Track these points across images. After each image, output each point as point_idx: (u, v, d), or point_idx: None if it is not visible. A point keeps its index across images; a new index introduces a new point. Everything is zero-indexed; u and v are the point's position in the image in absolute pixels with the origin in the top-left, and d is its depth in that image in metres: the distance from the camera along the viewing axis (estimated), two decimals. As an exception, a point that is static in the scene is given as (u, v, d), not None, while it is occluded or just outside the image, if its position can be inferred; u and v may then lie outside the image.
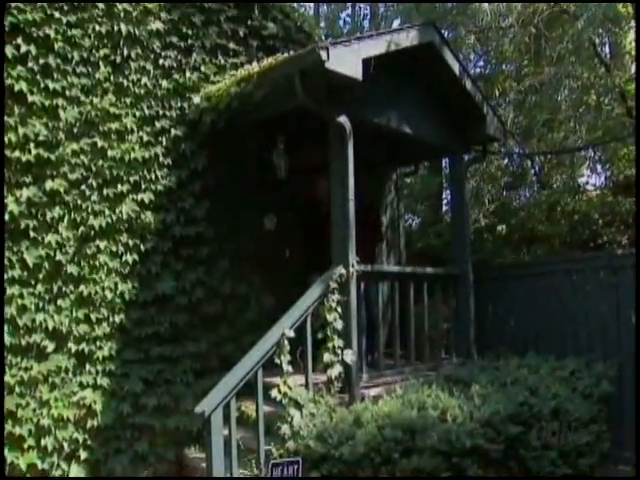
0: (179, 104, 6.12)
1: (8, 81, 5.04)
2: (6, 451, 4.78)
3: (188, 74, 6.22)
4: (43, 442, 4.95)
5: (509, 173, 11.74)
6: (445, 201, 12.55)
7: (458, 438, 4.49)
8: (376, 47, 5.53)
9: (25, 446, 4.89)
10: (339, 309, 5.42)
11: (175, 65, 6.14)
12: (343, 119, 5.49)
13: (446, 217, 11.39)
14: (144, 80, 5.88)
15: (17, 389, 4.90)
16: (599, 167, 10.98)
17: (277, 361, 4.90)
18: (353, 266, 5.53)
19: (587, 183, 11.36)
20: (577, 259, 7.38)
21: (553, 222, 9.65)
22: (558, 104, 10.21)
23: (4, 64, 4.91)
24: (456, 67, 6.64)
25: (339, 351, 5.38)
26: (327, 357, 5.32)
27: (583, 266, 6.95)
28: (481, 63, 12.48)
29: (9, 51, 5.05)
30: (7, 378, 4.85)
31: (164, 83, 6.03)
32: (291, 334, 4.97)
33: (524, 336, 7.34)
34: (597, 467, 5.48)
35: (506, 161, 11.65)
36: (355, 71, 5.21)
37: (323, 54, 4.90)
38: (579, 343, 6.83)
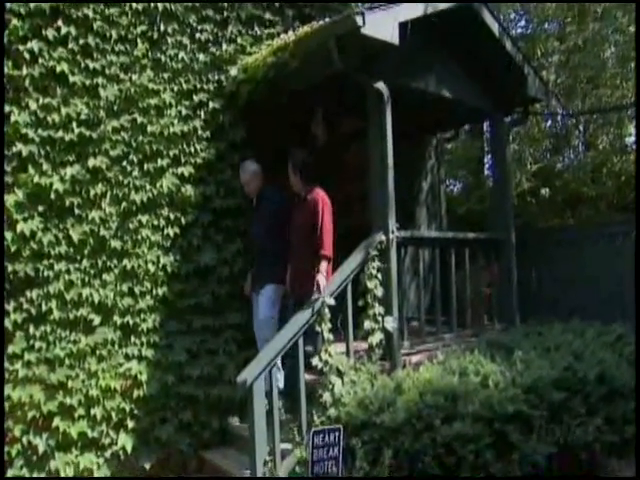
0: (216, 77, 6.13)
1: (50, 63, 5.11)
2: (58, 420, 4.94)
3: (225, 46, 6.22)
4: (92, 412, 5.10)
5: (552, 135, 11.51)
6: (487, 165, 12.40)
7: (500, 404, 4.49)
8: (413, 10, 5.45)
9: (76, 415, 5.04)
10: (379, 276, 5.44)
11: (211, 38, 6.14)
12: (380, 85, 5.46)
13: (488, 182, 11.25)
14: (181, 54, 5.90)
15: (67, 361, 5.05)
16: (648, 125, 10.68)
17: (318, 329, 4.95)
18: (393, 232, 5.53)
19: (635, 142, 11.06)
20: (622, 222, 7.24)
21: (599, 184, 9.46)
22: (603, 61, 9.95)
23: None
24: (495, 28, 6.51)
25: (380, 318, 5.41)
26: (368, 324, 5.35)
27: (628, 229, 6.81)
28: (522, 23, 12.23)
29: (50, 34, 5.11)
30: (57, 351, 5.00)
31: (201, 56, 6.05)
32: (332, 302, 5.01)
33: (568, 301, 7.27)
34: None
35: (549, 123, 11.43)
36: (392, 36, 5.14)
37: (359, 20, 4.84)
38: (625, 308, 6.73)
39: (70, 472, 4.96)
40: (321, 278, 5.05)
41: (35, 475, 4.84)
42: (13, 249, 4.85)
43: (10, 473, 4.75)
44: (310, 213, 5.37)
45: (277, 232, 5.64)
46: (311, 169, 5.64)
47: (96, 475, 5.08)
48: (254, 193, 5.89)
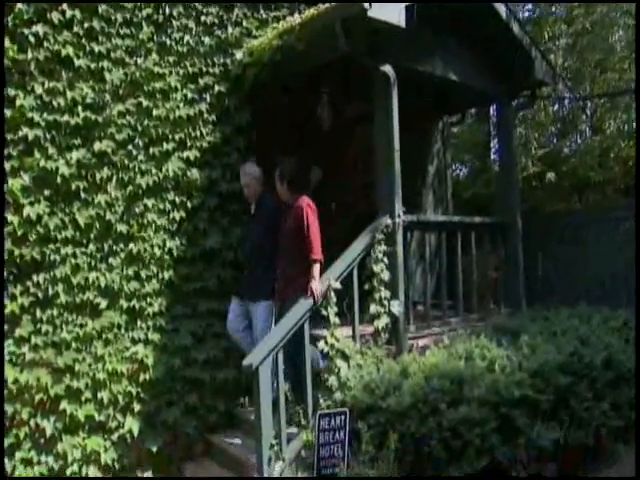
0: (222, 60, 6.10)
1: (55, 47, 5.10)
2: (65, 404, 4.98)
3: (230, 30, 6.18)
4: (99, 395, 5.13)
5: (559, 119, 11.45)
6: (493, 150, 12.36)
7: (506, 388, 4.49)
8: (420, -7, 5.41)
9: (83, 399, 5.08)
10: (385, 260, 5.44)
11: (217, 21, 6.10)
12: (387, 68, 5.43)
13: (494, 166, 11.21)
14: (187, 38, 5.87)
15: (73, 345, 5.08)
16: (656, 109, 10.61)
17: (324, 313, 4.95)
18: (399, 216, 5.52)
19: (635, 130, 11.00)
20: (629, 206, 7.20)
21: (606, 168, 9.41)
22: (611, 44, 9.87)
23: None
24: (502, 10, 6.46)
25: (386, 302, 5.41)
26: (374, 308, 5.35)
27: (629, 214, 6.78)
28: (529, 6, 12.15)
29: (55, 17, 5.09)
30: (64, 334, 5.03)
31: (206, 40, 6.01)
32: (337, 286, 5.01)
33: (575, 286, 7.25)
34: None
35: (556, 107, 11.37)
36: (398, 18, 5.10)
37: (365, 2, 4.80)
38: (631, 293, 6.71)
39: (77, 455, 5.01)
40: (315, 285, 4.94)
41: (43, 458, 4.88)
42: (20, 233, 4.86)
43: (18, 456, 4.79)
44: (296, 219, 5.21)
45: (274, 235, 5.47)
46: (302, 176, 5.55)
47: (103, 458, 5.10)
48: (253, 197, 5.70)
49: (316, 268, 5.03)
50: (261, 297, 5.44)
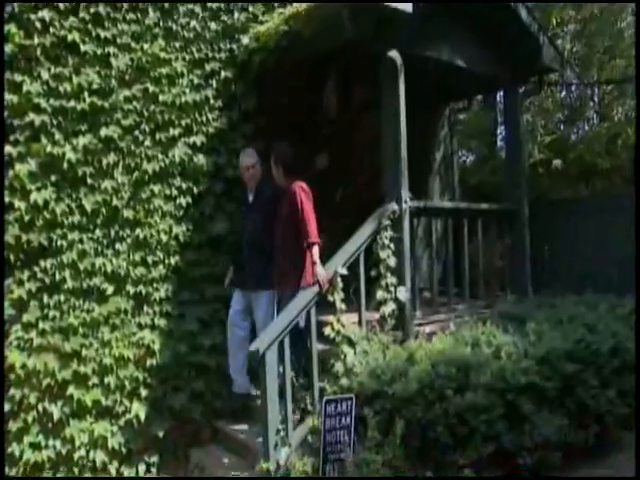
0: (228, 45, 6.07)
1: (61, 32, 5.10)
2: (72, 388, 5.01)
3: (236, 15, 6.14)
4: (106, 380, 5.16)
5: (567, 106, 11.39)
6: (500, 137, 12.31)
7: (513, 375, 4.48)
8: (426, -22, 5.36)
9: (90, 384, 5.11)
10: (392, 246, 5.43)
11: (223, 6, 6.07)
12: (394, 53, 5.41)
13: (501, 154, 11.16)
14: (193, 23, 5.85)
15: (80, 330, 5.10)
16: (665, 95, 10.54)
17: (330, 299, 4.93)
18: (406, 202, 5.50)
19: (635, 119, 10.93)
20: (630, 195, 7.15)
21: (613, 155, 9.35)
22: (620, 30, 9.81)
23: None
24: (510, -3, 6.41)
25: (392, 288, 5.40)
26: (380, 294, 5.35)
27: (630, 203, 6.74)
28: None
29: (61, 3, 5.10)
30: (71, 319, 5.06)
31: (213, 25, 5.99)
32: (344, 272, 4.99)
33: (582, 274, 7.22)
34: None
35: (563, 94, 11.31)
36: (405, 4, 5.06)
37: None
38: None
39: (85, 439, 5.04)
40: (320, 270, 4.86)
41: (51, 442, 4.92)
42: (27, 219, 4.89)
43: (26, 440, 4.84)
44: (290, 204, 5.10)
45: (273, 222, 5.37)
46: (299, 162, 5.43)
47: (110, 442, 5.13)
48: (254, 182, 5.56)
49: (315, 251, 4.95)
50: (262, 287, 5.40)
